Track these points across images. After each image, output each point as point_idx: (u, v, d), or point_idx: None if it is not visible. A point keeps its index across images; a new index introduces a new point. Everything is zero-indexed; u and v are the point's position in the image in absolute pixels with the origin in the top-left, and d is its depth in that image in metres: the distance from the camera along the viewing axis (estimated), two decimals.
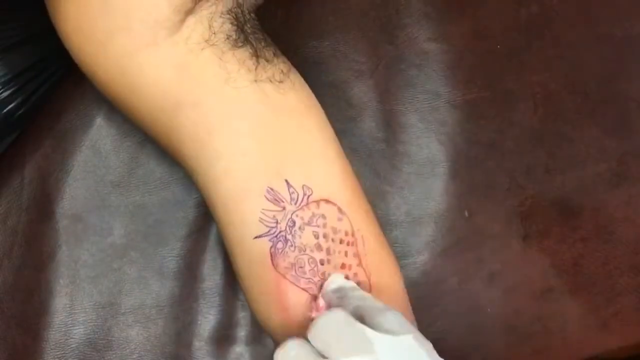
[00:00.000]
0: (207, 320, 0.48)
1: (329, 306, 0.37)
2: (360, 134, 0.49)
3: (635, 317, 0.50)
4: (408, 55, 0.50)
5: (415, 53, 0.50)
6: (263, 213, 0.37)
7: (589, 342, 0.49)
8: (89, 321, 0.47)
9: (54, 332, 0.46)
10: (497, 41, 0.51)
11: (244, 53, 0.39)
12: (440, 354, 0.41)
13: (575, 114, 0.51)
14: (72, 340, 0.47)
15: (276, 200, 0.38)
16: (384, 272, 0.41)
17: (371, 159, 0.49)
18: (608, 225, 0.50)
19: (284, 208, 0.38)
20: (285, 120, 0.39)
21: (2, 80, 0.44)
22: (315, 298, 0.38)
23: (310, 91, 0.42)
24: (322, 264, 0.38)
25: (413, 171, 0.49)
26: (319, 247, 0.38)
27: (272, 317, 0.38)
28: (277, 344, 0.37)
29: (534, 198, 0.50)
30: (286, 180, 0.38)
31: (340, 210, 0.39)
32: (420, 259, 0.49)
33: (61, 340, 0.47)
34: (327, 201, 0.39)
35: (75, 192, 0.48)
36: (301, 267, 0.38)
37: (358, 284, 0.39)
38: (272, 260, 0.37)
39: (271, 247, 0.37)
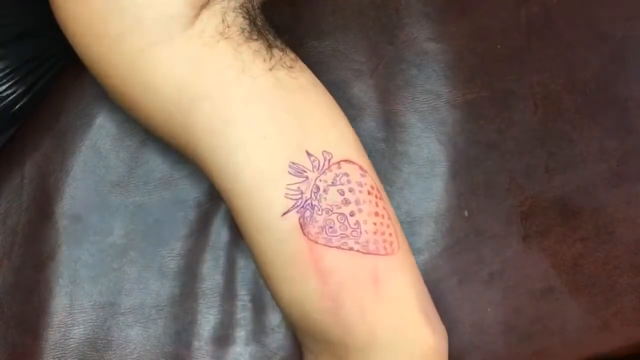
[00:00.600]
0: (207, 320, 0.48)
1: None
2: (360, 134, 0.49)
3: (635, 317, 0.50)
4: (408, 55, 0.50)
5: (415, 53, 0.50)
6: (288, 188, 0.37)
7: (589, 342, 0.49)
8: (88, 321, 0.47)
9: (53, 332, 0.46)
10: (497, 41, 0.51)
11: (259, 45, 0.39)
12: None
13: (575, 114, 0.51)
14: (71, 340, 0.47)
15: (299, 172, 0.38)
16: (404, 237, 0.41)
17: (371, 159, 0.48)
18: (608, 225, 0.50)
19: (307, 177, 0.38)
20: (298, 98, 0.39)
21: (1, 73, 0.44)
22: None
23: (312, 73, 0.42)
24: (352, 215, 0.38)
25: (413, 171, 0.49)
26: (346, 202, 0.38)
27: (309, 287, 0.38)
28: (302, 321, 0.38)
29: (534, 198, 0.50)
30: (306, 151, 0.38)
31: (362, 168, 0.40)
32: (420, 259, 0.49)
33: (61, 340, 0.47)
34: (347, 161, 0.39)
35: (75, 192, 0.48)
36: (331, 227, 0.38)
37: (390, 237, 0.39)
38: (302, 230, 0.37)
39: (300, 218, 0.37)
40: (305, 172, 0.38)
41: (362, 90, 0.50)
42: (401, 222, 0.48)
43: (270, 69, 0.39)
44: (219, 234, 0.49)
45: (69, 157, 0.48)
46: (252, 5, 0.39)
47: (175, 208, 0.48)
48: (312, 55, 0.50)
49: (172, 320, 0.47)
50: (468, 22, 0.51)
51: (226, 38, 0.38)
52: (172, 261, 0.48)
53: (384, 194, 0.41)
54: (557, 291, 0.49)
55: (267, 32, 0.40)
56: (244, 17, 0.39)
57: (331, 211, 0.38)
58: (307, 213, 0.38)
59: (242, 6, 0.39)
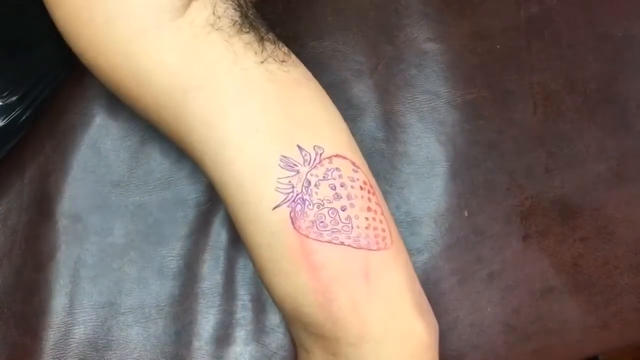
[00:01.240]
0: (207, 320, 0.48)
1: None
2: (360, 134, 0.49)
3: (635, 317, 0.49)
4: (408, 55, 0.50)
5: (414, 53, 0.50)
6: (279, 182, 0.37)
7: (589, 342, 0.49)
8: (88, 321, 0.47)
9: (53, 332, 0.46)
10: (497, 41, 0.51)
11: (250, 37, 0.39)
12: (440, 353, 0.42)
13: (575, 114, 0.51)
14: (71, 340, 0.47)
15: (290, 166, 0.38)
16: (397, 232, 0.41)
17: (371, 159, 0.49)
18: (608, 225, 0.50)
19: (298, 171, 0.38)
20: (291, 92, 0.39)
21: (11, 88, 0.44)
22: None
23: (306, 69, 0.42)
24: (343, 210, 0.38)
25: (413, 171, 0.49)
26: (337, 197, 0.38)
27: (300, 281, 0.38)
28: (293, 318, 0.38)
29: (533, 198, 0.50)
30: (298, 145, 0.38)
31: (354, 163, 0.40)
32: (420, 259, 0.49)
33: (61, 340, 0.47)
34: (339, 156, 0.39)
35: (75, 192, 0.48)
36: (322, 222, 0.38)
37: (383, 232, 0.39)
38: (293, 224, 0.37)
39: (291, 212, 0.37)
40: (297, 166, 0.38)
41: (362, 90, 0.50)
42: (401, 222, 0.48)
43: (262, 62, 0.39)
44: (219, 234, 0.49)
45: (69, 157, 0.48)
46: (244, 0, 0.39)
47: (175, 208, 0.48)
48: (312, 55, 0.50)
49: (172, 320, 0.48)
50: (468, 22, 0.51)
51: (217, 29, 0.38)
52: (172, 261, 0.48)
53: (377, 190, 0.41)
54: (557, 291, 0.49)
55: (259, 25, 0.40)
56: (234, 9, 0.39)
57: (322, 205, 0.38)
58: (298, 207, 0.38)
59: None
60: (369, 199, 0.39)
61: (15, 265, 0.47)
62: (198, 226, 0.49)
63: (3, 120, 0.44)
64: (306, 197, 0.38)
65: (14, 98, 0.44)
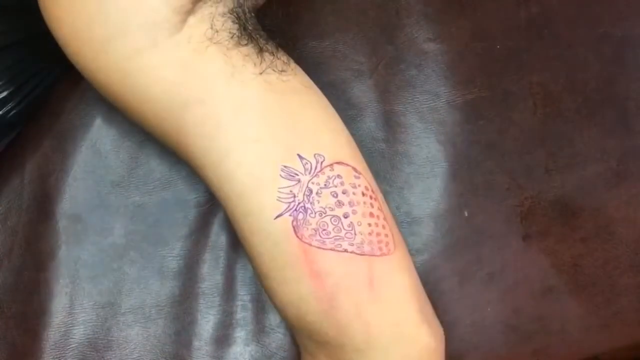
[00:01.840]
0: (207, 320, 0.48)
1: None
2: (360, 134, 0.49)
3: (635, 317, 0.49)
4: (407, 55, 0.50)
5: (414, 53, 0.50)
6: (280, 192, 0.38)
7: (589, 342, 0.49)
8: (88, 321, 0.47)
9: (53, 332, 0.47)
10: (497, 41, 0.51)
11: (249, 49, 0.39)
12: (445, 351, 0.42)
13: (575, 114, 0.51)
14: (72, 340, 0.47)
15: (291, 175, 0.38)
16: (400, 237, 0.41)
17: (371, 159, 0.49)
18: (608, 225, 0.50)
19: (299, 180, 0.38)
20: (290, 101, 0.39)
21: (1, 82, 0.44)
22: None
23: (306, 75, 0.42)
24: (346, 217, 0.38)
25: (413, 171, 0.49)
26: (339, 204, 0.38)
27: (304, 289, 0.38)
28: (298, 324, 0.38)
29: (533, 198, 0.50)
30: (298, 154, 0.38)
31: (355, 170, 0.40)
32: (420, 259, 0.49)
33: (61, 340, 0.47)
34: (340, 163, 0.39)
35: (75, 192, 0.48)
36: (324, 229, 0.38)
37: (386, 238, 0.39)
38: (296, 233, 0.37)
39: (293, 221, 0.37)
40: (297, 175, 0.38)
41: (362, 91, 0.50)
42: (401, 222, 0.48)
43: (261, 73, 0.39)
44: (219, 234, 0.49)
45: (69, 157, 0.48)
46: (243, 10, 0.39)
47: (175, 208, 0.48)
48: (312, 55, 0.50)
49: (172, 320, 0.48)
50: (468, 22, 0.51)
51: (215, 43, 0.38)
52: (172, 261, 0.48)
53: (379, 195, 0.41)
54: (557, 291, 0.49)
55: (258, 36, 0.40)
56: (233, 21, 0.39)
57: (324, 213, 0.38)
58: (300, 216, 0.38)
59: (231, 11, 0.39)
60: (372, 205, 0.39)
61: (15, 265, 0.47)
62: (198, 226, 0.49)
63: None
64: (308, 205, 0.38)
65: (5, 93, 0.44)
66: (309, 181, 0.38)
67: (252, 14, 0.41)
